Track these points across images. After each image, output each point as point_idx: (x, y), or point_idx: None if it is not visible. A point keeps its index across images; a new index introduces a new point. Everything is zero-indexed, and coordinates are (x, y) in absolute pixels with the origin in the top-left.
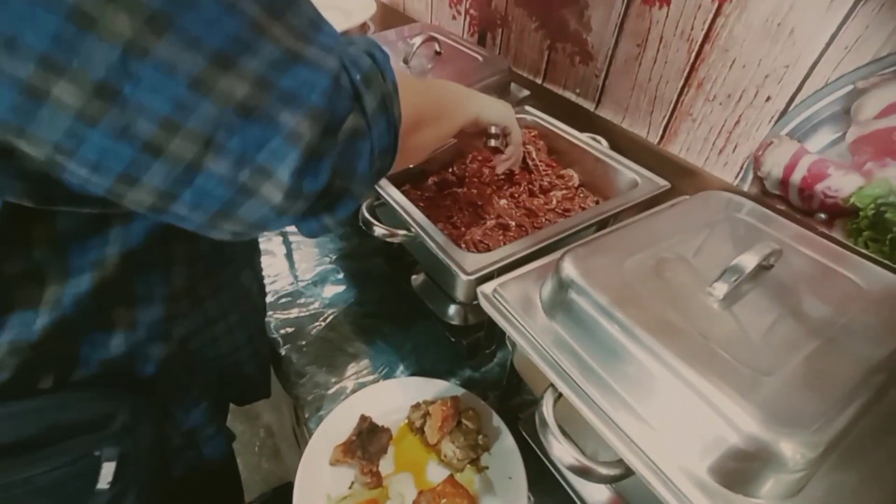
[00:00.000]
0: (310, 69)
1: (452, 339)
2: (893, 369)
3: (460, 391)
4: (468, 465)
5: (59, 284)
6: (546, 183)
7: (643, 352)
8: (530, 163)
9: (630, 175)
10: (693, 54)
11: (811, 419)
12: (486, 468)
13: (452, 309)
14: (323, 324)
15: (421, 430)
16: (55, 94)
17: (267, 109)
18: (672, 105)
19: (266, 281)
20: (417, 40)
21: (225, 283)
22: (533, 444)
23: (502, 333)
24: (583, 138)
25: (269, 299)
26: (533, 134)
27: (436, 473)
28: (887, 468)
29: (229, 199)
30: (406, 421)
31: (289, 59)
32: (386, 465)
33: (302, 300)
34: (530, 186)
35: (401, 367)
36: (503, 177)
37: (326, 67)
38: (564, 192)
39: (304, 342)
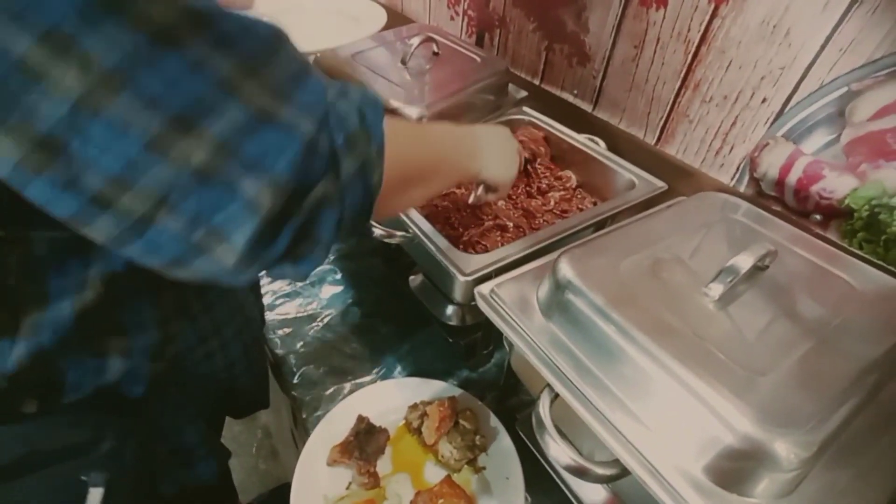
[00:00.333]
0: (280, 133)
1: (450, 340)
2: (886, 369)
3: (458, 392)
4: (465, 466)
5: (37, 311)
6: (544, 184)
7: (639, 352)
8: (530, 168)
9: (627, 176)
10: (690, 56)
11: (805, 419)
12: (484, 468)
13: (450, 310)
14: (321, 324)
15: (418, 431)
16: None
17: (226, 175)
18: (669, 106)
19: (263, 281)
20: (415, 41)
21: (218, 297)
22: (530, 445)
23: (500, 334)
24: (580, 139)
25: (266, 300)
26: (542, 135)
27: (433, 474)
28: (880, 467)
29: (182, 254)
30: (403, 421)
31: (258, 121)
32: (383, 466)
33: (299, 301)
34: (528, 188)
35: (398, 368)
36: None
37: (300, 131)
38: (562, 193)
39: (301, 343)
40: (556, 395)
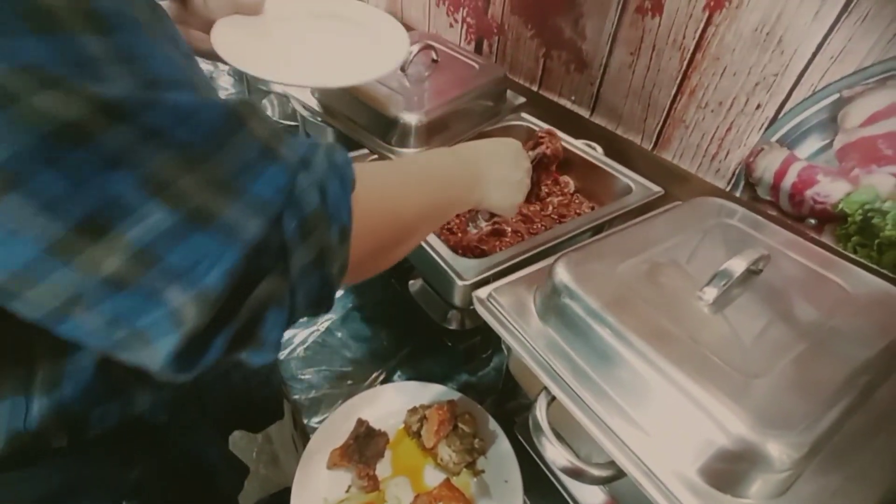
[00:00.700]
0: (216, 238)
1: (449, 344)
2: (878, 371)
3: (457, 395)
4: (464, 469)
5: (55, 365)
6: (543, 190)
7: (634, 355)
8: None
9: (624, 181)
10: (685, 62)
11: (797, 420)
12: (483, 472)
13: (449, 314)
14: (321, 329)
15: (418, 434)
16: None
17: (146, 285)
18: (665, 112)
19: None
20: (415, 48)
21: None
22: (528, 448)
23: (498, 338)
24: (578, 145)
25: None
26: (556, 146)
27: (432, 477)
28: (873, 468)
29: (107, 348)
30: (403, 425)
31: (189, 225)
32: (383, 469)
33: None
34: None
35: (398, 372)
36: None
37: (244, 235)
38: (560, 198)
39: (301, 347)
40: (553, 398)
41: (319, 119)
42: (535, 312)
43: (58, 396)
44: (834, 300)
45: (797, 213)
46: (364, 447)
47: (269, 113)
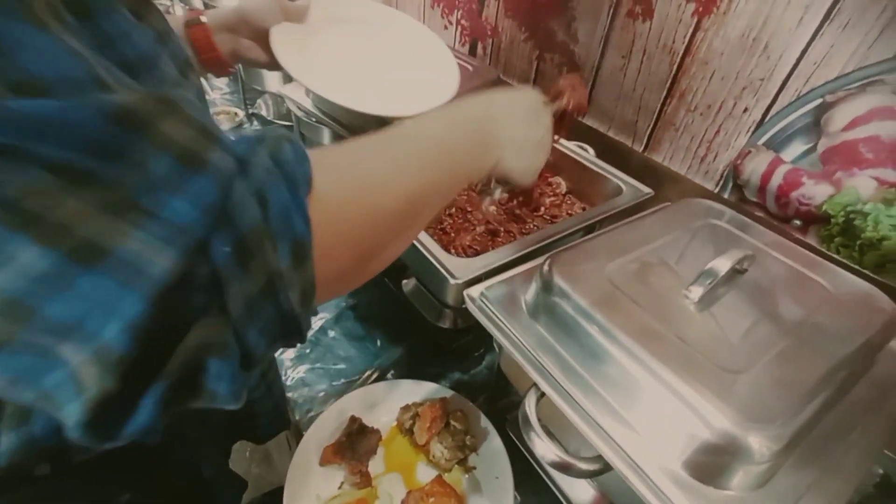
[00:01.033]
0: (113, 280)
1: (442, 343)
2: (856, 367)
3: (449, 393)
4: (456, 466)
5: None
6: (535, 193)
7: (621, 352)
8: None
9: (615, 182)
10: (675, 66)
11: (777, 414)
12: (474, 468)
13: (442, 313)
14: (314, 328)
15: (410, 432)
16: None
17: (29, 342)
18: (655, 115)
19: None
20: None
21: None
22: (520, 445)
23: (491, 337)
24: (570, 146)
25: None
26: (580, 99)
27: (424, 474)
28: (848, 461)
29: (30, 405)
30: (395, 422)
31: (72, 265)
32: (376, 466)
33: None
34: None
35: (391, 370)
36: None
37: (148, 274)
38: (552, 199)
39: (295, 346)
40: (542, 394)
41: (314, 120)
42: (526, 310)
43: (27, 432)
44: (816, 299)
45: (783, 214)
46: (356, 444)
47: (263, 113)
